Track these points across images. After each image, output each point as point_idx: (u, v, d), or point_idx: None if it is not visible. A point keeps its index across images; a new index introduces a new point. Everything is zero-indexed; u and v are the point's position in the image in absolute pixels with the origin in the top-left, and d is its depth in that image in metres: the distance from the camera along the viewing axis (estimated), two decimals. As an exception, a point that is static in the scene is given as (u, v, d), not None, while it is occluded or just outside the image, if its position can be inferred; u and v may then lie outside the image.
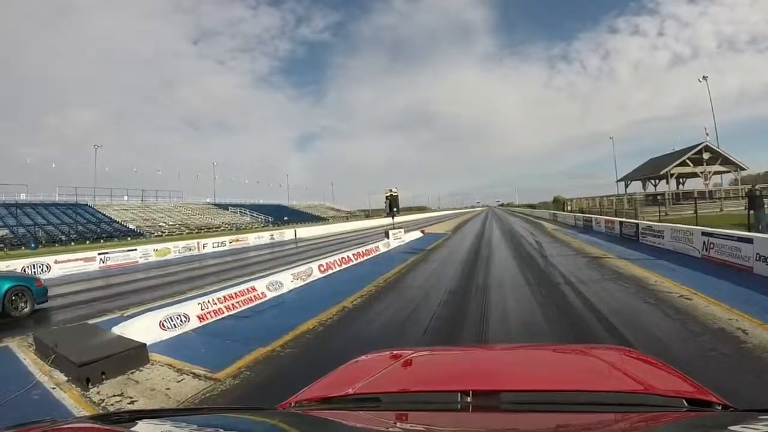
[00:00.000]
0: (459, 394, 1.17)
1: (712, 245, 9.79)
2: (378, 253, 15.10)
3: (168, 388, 4.08)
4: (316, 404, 1.32)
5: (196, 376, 4.37)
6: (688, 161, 33.34)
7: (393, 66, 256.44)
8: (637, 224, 15.42)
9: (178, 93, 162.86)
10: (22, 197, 39.03)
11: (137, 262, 18.24)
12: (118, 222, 40.20)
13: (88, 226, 36.59)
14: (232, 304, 7.02)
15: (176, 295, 8.92)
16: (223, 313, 6.75)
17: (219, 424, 1.14)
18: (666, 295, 6.74)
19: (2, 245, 26.01)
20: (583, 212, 31.72)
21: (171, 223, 44.14)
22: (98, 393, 4.05)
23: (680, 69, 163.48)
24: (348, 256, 12.60)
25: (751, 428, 0.88)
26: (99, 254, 17.16)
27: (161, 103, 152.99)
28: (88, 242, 30.38)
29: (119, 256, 17.91)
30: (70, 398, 3.96)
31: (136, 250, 19.14)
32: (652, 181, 39.50)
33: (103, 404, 3.81)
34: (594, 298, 6.77)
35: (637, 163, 45.74)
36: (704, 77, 37.65)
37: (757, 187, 22.76)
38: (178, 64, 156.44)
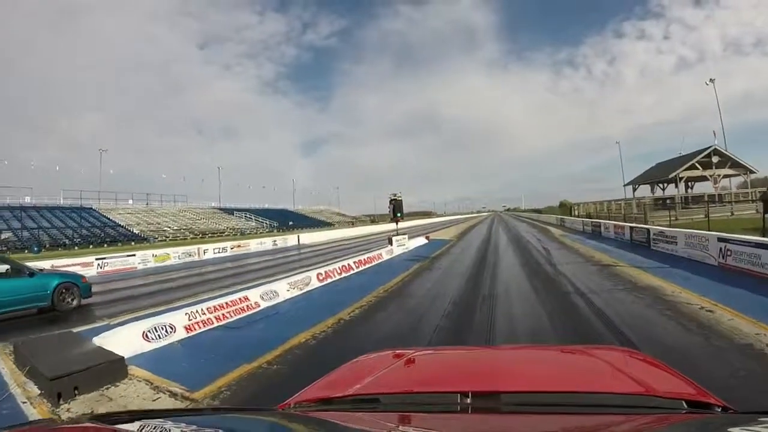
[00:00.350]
0: (459, 395, 1.17)
1: (729, 252, 9.31)
2: (380, 260, 14.70)
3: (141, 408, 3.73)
4: (316, 405, 1.32)
5: (173, 394, 4.03)
6: (697, 165, 32.76)
7: (399, 71, 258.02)
8: (648, 230, 14.88)
9: (184, 97, 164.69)
10: (27, 200, 39.15)
11: (135, 267, 17.98)
12: (122, 226, 40.17)
13: (92, 230, 36.56)
14: (223, 314, 6.66)
15: (169, 303, 8.59)
16: (213, 323, 6.40)
17: (219, 424, 1.14)
18: (686, 306, 6.29)
19: (5, 248, 25.97)
20: (590, 217, 31.16)
21: (175, 227, 44.10)
22: (68, 410, 3.79)
23: (686, 72, 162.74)
24: (349, 264, 12.19)
25: (751, 430, 0.88)
26: (96, 259, 16.95)
27: (167, 106, 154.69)
28: (91, 246, 30.27)
29: (117, 261, 17.67)
30: (38, 415, 3.66)
31: (134, 255, 18.86)
32: (661, 185, 38.88)
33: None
34: (608, 309, 6.33)
35: (644, 166, 45.30)
36: (711, 80, 37.19)
37: (770, 190, 22.18)
38: (185, 69, 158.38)
